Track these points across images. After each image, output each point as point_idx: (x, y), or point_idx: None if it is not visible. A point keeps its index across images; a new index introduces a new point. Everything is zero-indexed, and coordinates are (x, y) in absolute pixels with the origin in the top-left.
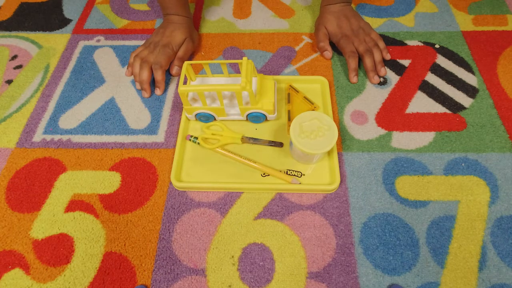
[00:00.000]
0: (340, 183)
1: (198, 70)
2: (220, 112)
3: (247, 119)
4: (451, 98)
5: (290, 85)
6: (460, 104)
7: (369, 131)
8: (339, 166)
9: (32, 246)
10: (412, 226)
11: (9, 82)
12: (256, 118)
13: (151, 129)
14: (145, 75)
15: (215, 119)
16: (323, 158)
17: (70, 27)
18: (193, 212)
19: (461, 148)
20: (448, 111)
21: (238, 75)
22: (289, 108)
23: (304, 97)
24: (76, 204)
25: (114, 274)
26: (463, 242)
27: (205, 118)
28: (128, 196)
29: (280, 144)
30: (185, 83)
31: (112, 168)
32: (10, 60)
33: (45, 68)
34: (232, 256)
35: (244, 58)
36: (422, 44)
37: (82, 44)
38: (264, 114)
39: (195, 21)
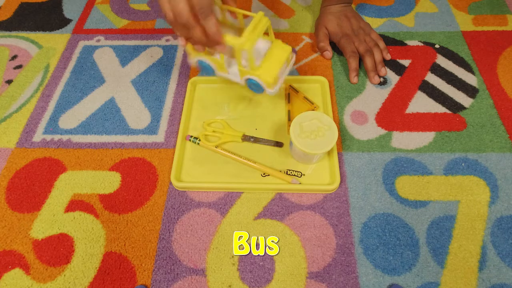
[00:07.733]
0: (340, 183)
1: None
2: (220, 66)
3: (246, 85)
4: (451, 98)
5: (290, 85)
6: (460, 104)
7: (369, 131)
8: (339, 166)
9: (32, 246)
10: (412, 226)
11: (9, 82)
12: (255, 86)
13: (151, 129)
14: None
15: (214, 72)
16: (323, 158)
17: (70, 27)
18: (193, 212)
19: (461, 148)
20: (448, 111)
21: (264, 37)
22: (289, 108)
23: (304, 97)
24: (76, 204)
25: (114, 274)
26: (463, 242)
27: (205, 69)
28: (128, 196)
29: (280, 144)
30: None
31: (112, 168)
32: (10, 60)
33: (45, 68)
34: (232, 256)
35: (260, 13)
36: (422, 44)
37: (82, 44)
38: (261, 85)
39: None
